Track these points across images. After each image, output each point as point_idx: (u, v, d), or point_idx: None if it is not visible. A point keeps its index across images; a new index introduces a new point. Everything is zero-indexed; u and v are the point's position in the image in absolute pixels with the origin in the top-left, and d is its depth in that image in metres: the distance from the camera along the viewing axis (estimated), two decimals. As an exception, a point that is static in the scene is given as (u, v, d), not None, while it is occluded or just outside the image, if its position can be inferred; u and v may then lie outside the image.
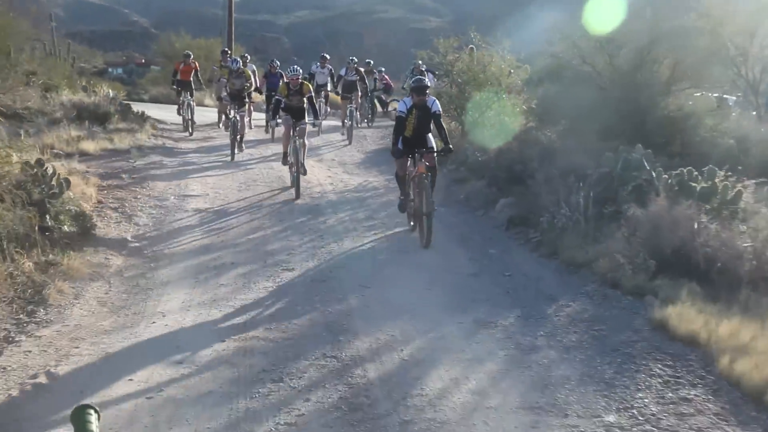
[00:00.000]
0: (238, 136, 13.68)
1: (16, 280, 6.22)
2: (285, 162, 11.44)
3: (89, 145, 12.26)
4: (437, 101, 8.94)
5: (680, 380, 4.85)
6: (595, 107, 10.39)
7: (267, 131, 16.27)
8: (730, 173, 7.90)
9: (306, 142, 11.21)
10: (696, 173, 7.93)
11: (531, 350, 5.45)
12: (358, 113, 17.45)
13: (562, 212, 8.01)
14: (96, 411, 1.72)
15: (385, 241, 8.62)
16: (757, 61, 18.24)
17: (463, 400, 4.66)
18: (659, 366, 5.06)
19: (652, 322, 5.74)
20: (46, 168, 8.18)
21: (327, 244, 8.33)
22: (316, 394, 4.71)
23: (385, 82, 20.65)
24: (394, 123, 9.21)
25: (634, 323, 5.86)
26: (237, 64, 14.65)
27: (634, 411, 4.47)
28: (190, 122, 16.35)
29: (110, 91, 16.49)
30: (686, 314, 5.59)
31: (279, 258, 7.77)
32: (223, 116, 16.27)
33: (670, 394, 4.66)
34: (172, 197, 10.19)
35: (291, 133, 11.04)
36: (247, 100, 14.71)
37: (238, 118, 13.58)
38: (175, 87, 17.57)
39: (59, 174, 8.40)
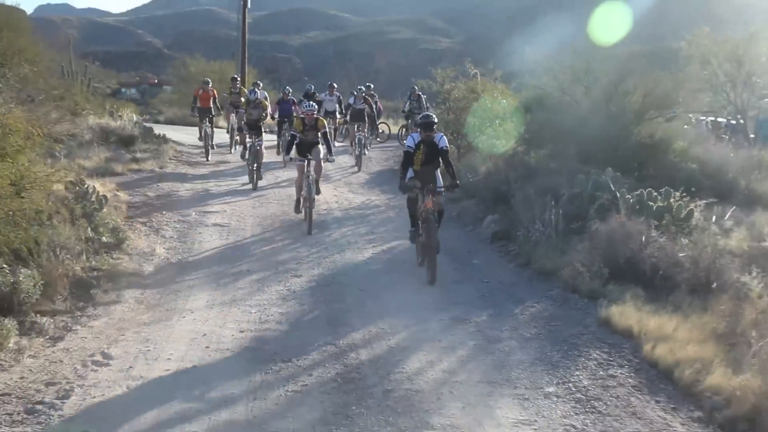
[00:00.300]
0: (256, 165, 13.93)
1: (70, 282, 7.45)
2: (298, 209, 11.26)
3: (117, 167, 13.58)
4: (444, 137, 9.16)
5: (611, 363, 6.02)
6: (574, 134, 11.62)
7: (278, 153, 17.03)
8: (685, 194, 9.10)
9: (321, 164, 11.51)
10: (655, 194, 9.13)
11: (496, 341, 6.63)
12: (366, 141, 18.01)
13: (536, 227, 9.21)
14: None
15: (382, 253, 9.83)
16: (745, 87, 19.46)
17: (435, 376, 5.84)
18: (597, 352, 6.23)
19: (599, 319, 6.91)
20: (87, 186, 9.47)
21: (331, 255, 9.56)
22: (317, 370, 5.91)
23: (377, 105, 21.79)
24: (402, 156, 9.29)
25: (585, 321, 7.03)
26: (254, 94, 15.10)
27: (570, 384, 5.65)
28: (209, 148, 16.99)
29: (134, 115, 17.84)
30: (626, 312, 6.76)
31: (289, 266, 9.00)
32: (241, 146, 16.55)
33: (601, 373, 5.84)
34: (194, 213, 11.45)
35: (304, 175, 10.95)
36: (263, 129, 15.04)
37: (257, 147, 13.96)
38: (194, 114, 18.32)
39: (98, 192, 9.69)
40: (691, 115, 17.98)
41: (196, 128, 28.96)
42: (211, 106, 17.95)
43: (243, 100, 16.83)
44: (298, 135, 11.24)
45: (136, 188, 12.61)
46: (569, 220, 9.13)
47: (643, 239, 7.79)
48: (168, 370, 5.83)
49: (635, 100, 11.62)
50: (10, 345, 6.02)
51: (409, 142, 9.07)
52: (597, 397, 5.41)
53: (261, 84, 21.54)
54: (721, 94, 19.67)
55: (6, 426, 4.83)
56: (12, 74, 13.14)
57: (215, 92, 18.50)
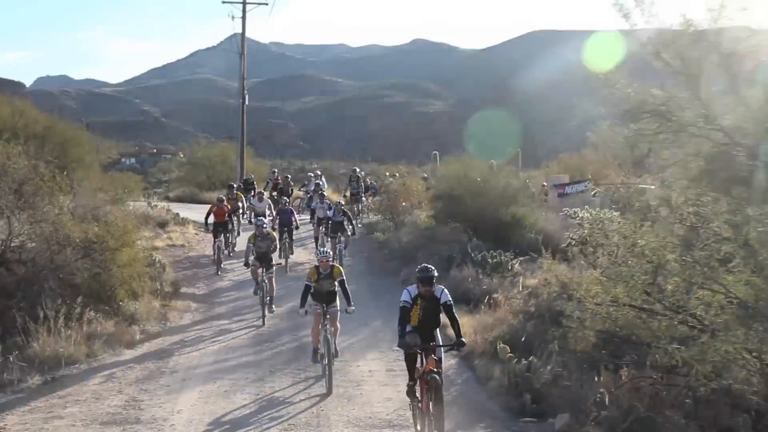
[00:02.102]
0: (268, 298, 14.69)
1: (155, 310, 14.24)
2: (315, 359, 11.10)
3: (159, 242, 20.44)
4: (446, 290, 8.77)
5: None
6: (462, 214, 18.57)
7: (280, 257, 17.65)
8: (518, 252, 15.92)
9: (338, 325, 11.32)
10: (494, 253, 15.99)
11: (378, 330, 13.32)
12: (346, 251, 18.82)
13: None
14: None
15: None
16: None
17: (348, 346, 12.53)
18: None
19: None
20: (154, 258, 16.37)
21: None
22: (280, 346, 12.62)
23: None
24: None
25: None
26: (263, 227, 15.29)
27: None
28: (221, 262, 18.25)
29: (167, 205, 24.85)
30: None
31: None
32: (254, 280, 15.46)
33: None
34: (216, 271, 18.28)
35: (321, 325, 10.87)
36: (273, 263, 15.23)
37: (266, 281, 14.66)
38: (208, 229, 19.23)
39: (159, 259, 16.58)
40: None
41: (209, 205, 35.49)
42: (227, 220, 19.15)
43: (240, 204, 20.40)
44: (312, 285, 11.00)
45: (174, 257, 19.45)
46: (442, 268, 15.95)
47: (470, 280, 14.63)
48: (215, 348, 12.56)
49: (498, 194, 18.56)
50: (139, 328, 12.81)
51: (404, 296, 8.59)
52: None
53: (253, 176, 28.54)
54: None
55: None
56: (80, 180, 20.08)
57: (229, 207, 19.58)
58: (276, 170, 29.93)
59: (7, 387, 10.01)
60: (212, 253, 18.86)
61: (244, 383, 10.63)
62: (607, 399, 8.35)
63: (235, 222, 20.29)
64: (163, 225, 22.43)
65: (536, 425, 8.85)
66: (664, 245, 7.84)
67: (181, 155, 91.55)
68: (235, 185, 23.14)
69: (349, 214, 18.94)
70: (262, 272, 14.66)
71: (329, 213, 18.68)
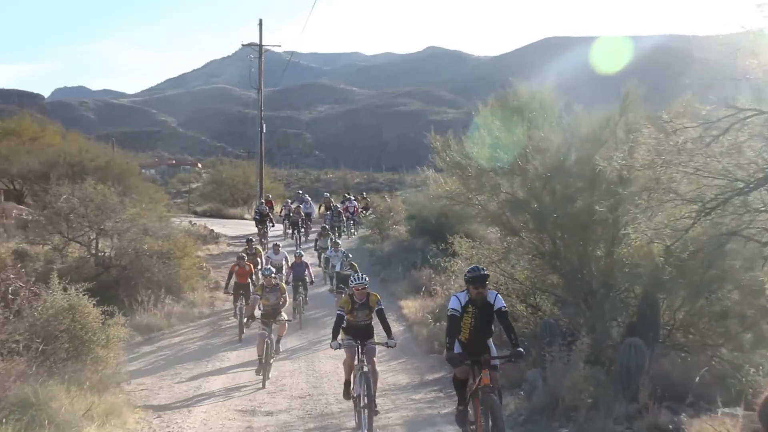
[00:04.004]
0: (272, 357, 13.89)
1: (206, 299, 21.25)
2: (348, 395, 10.25)
3: (200, 252, 27.47)
4: (500, 296, 8.23)
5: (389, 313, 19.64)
6: (428, 230, 25.47)
7: (294, 315, 17.95)
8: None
9: (377, 368, 10.29)
10: (445, 258, 22.89)
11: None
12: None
13: (399, 271, 22.88)
14: None
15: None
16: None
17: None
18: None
19: (401, 308, 20.46)
20: (202, 264, 23.44)
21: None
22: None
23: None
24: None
25: (392, 305, 20.59)
26: (272, 277, 14.91)
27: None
28: (243, 326, 17.42)
29: (206, 224, 31.95)
30: (409, 304, 20.32)
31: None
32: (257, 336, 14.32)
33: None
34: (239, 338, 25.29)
35: (357, 357, 10.14)
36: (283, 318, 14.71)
37: (272, 339, 13.89)
38: (229, 291, 18.81)
39: (205, 265, 23.65)
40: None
41: (232, 220, 42.69)
42: (249, 281, 18.59)
43: (259, 260, 20.33)
44: (345, 315, 10.13)
45: (214, 264, 26.48)
46: (407, 268, 22.85)
47: (424, 278, 21.52)
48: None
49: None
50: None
51: (453, 303, 8.15)
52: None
53: (271, 195, 35.55)
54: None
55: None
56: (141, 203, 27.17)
57: (252, 267, 19.22)
58: (288, 200, 35.07)
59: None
60: (234, 316, 18.64)
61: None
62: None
63: (255, 280, 18.85)
64: (203, 238, 29.51)
65: (437, 358, 15.61)
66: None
67: (199, 166, 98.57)
68: (253, 240, 22.68)
69: (356, 266, 18.15)
70: (268, 332, 13.81)
71: (337, 266, 19.08)
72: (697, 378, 8.12)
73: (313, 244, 27.39)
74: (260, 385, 13.01)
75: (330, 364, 14.62)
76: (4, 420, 7.31)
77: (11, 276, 11.59)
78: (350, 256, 19.33)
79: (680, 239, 8.53)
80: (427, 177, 24.50)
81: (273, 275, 15.02)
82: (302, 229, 30.02)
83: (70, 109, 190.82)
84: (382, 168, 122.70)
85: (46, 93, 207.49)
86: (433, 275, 21.73)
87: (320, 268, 23.78)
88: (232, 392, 12.83)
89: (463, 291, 8.25)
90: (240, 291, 18.34)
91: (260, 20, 40.62)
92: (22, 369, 8.59)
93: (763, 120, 6.53)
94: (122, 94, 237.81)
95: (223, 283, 20.12)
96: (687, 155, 6.71)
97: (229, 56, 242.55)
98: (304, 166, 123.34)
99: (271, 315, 14.21)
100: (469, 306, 8.06)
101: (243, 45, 41.51)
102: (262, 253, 21.78)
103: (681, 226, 8.05)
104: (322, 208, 34.62)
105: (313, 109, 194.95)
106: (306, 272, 18.83)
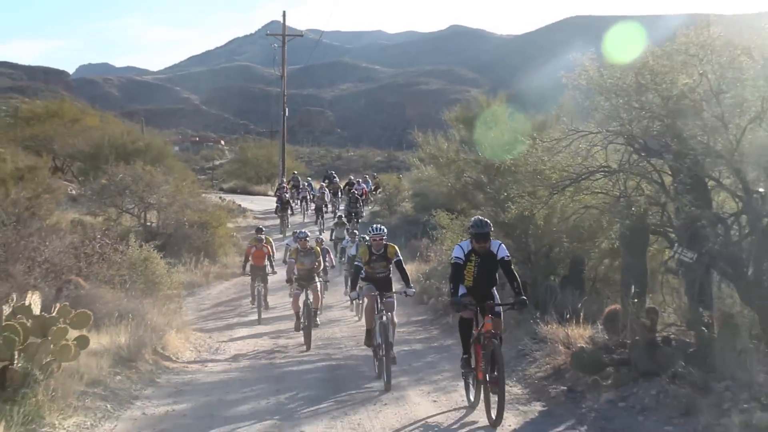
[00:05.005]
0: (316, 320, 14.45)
1: (237, 262, 25.42)
2: (369, 342, 10.48)
3: (230, 225, 31.61)
4: (503, 245, 8.43)
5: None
6: (430, 205, 29.43)
7: (351, 308, 17.90)
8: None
9: (395, 319, 10.45)
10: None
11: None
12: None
13: (402, 241, 26.94)
14: None
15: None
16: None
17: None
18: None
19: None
20: (233, 233, 27.63)
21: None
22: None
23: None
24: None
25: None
26: (306, 240, 14.81)
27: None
28: (261, 309, 17.46)
29: (231, 197, 36.11)
30: (407, 267, 24.37)
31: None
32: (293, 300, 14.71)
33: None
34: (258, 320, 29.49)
35: (376, 306, 10.31)
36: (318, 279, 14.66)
37: (311, 299, 13.87)
38: (246, 272, 18.84)
39: (235, 234, 27.84)
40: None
41: (258, 196, 46.74)
42: (266, 263, 18.16)
43: (269, 249, 18.89)
44: (363, 267, 10.45)
45: (243, 235, 30.62)
46: (409, 239, 26.83)
47: (422, 246, 25.49)
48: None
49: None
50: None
51: (456, 252, 8.33)
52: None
53: (297, 172, 39.55)
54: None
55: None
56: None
57: (270, 249, 18.93)
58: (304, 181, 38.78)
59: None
60: (252, 300, 18.46)
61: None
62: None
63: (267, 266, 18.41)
64: (232, 212, 33.70)
65: (424, 308, 19.52)
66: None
67: (222, 143, 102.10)
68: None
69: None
70: (307, 297, 13.90)
71: (353, 249, 18.67)
72: (579, 304, 11.96)
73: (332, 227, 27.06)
74: (288, 333, 14.93)
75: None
76: (118, 323, 11.51)
77: (99, 237, 15.78)
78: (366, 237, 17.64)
79: (542, 209, 12.68)
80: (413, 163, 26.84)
81: (307, 238, 15.08)
82: (326, 210, 32.41)
83: (95, 86, 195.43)
84: (404, 146, 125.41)
85: (70, 70, 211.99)
86: (430, 244, 25.70)
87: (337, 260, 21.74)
88: (260, 328, 16.87)
89: (466, 240, 8.53)
90: (257, 273, 18.10)
91: (284, 12, 44.30)
92: (124, 294, 12.94)
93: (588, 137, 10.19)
94: (146, 71, 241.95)
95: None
96: (550, 154, 10.50)
97: (251, 34, 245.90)
98: (326, 143, 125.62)
99: (305, 278, 14.26)
100: (472, 255, 8.32)
101: (267, 34, 45.32)
102: (272, 242, 21.05)
103: (544, 202, 11.96)
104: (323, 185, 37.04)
105: (335, 87, 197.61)
106: (327, 258, 17.25)
